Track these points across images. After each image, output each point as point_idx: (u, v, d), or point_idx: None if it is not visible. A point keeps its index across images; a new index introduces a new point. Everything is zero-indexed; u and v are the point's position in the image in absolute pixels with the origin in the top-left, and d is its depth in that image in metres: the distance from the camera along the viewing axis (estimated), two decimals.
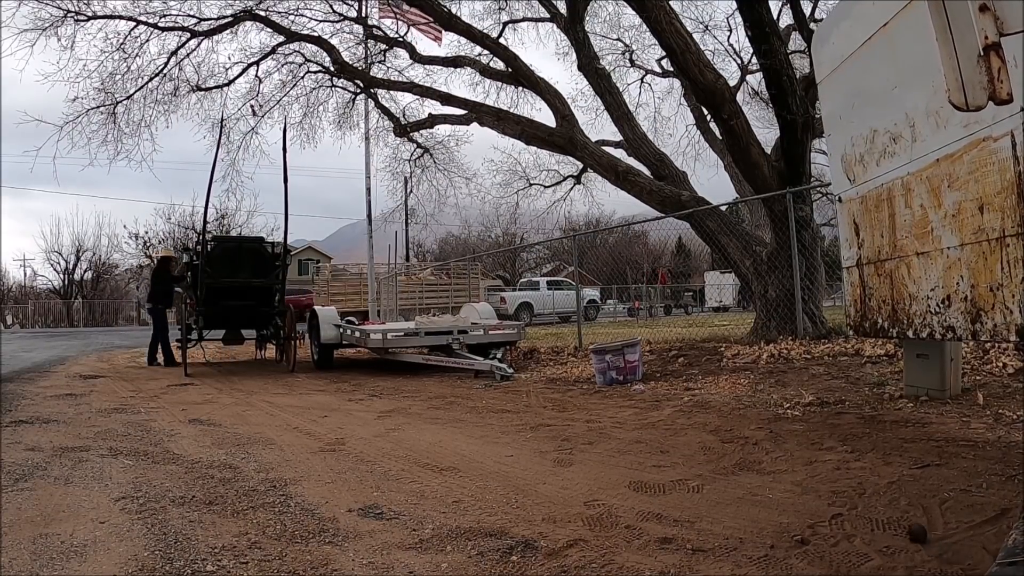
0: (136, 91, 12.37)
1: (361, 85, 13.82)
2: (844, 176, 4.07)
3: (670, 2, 8.08)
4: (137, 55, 12.17)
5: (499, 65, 12.32)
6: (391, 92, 14.00)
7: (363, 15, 13.57)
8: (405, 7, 12.49)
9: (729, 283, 25.24)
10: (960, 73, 1.22)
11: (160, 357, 10.35)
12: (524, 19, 13.88)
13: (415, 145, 15.34)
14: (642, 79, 15.88)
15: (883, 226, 3.66)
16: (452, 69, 13.46)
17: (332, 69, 13.35)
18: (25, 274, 45.16)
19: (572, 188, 15.88)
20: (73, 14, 11.45)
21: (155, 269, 11.15)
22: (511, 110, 12.52)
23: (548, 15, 12.20)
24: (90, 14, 11.62)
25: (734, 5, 12.14)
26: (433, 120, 13.61)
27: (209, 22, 12.27)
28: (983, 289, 2.83)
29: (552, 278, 28.09)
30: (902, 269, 3.49)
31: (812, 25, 9.63)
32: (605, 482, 2.81)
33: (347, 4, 13.42)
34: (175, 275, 10.78)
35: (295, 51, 13.45)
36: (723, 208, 9.83)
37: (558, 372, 7.43)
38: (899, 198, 3.44)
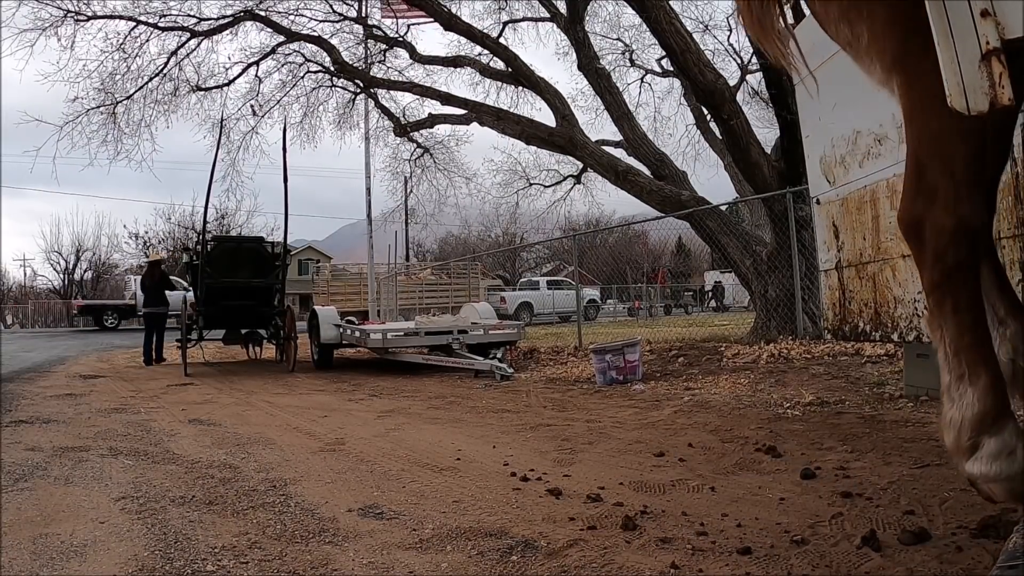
0: (136, 91, 12.38)
1: (361, 85, 13.82)
2: (823, 178, 4.04)
3: (670, 2, 8.10)
4: (137, 55, 12.19)
5: (499, 65, 12.32)
6: (391, 92, 14.01)
7: (363, 15, 13.57)
8: (405, 7, 12.50)
9: (729, 282, 25.21)
10: (962, 78, 1.22)
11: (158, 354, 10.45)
12: (524, 19, 13.88)
13: (415, 145, 15.34)
14: (642, 79, 15.88)
15: (866, 228, 3.64)
16: (452, 69, 13.46)
17: (332, 69, 13.35)
18: (25, 274, 45.15)
19: (572, 188, 15.89)
20: (73, 14, 11.46)
21: (149, 272, 11.08)
22: (511, 110, 12.53)
23: (548, 15, 12.20)
24: (90, 14, 11.63)
25: (734, 5, 12.13)
26: (433, 120, 13.61)
27: (209, 22, 12.28)
28: None
29: (552, 278, 28.08)
30: (886, 272, 3.48)
31: None
32: (605, 482, 2.81)
33: (347, 4, 13.43)
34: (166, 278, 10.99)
35: (295, 51, 13.45)
36: (723, 208, 9.83)
37: (558, 372, 7.43)
38: (884, 200, 3.42)
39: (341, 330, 9.02)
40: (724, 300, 25.95)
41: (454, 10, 11.93)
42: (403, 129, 14.20)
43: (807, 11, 2.06)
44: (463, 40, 12.67)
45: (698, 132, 14.16)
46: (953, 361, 1.65)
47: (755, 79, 14.70)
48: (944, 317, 1.66)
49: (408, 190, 17.68)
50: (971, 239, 1.63)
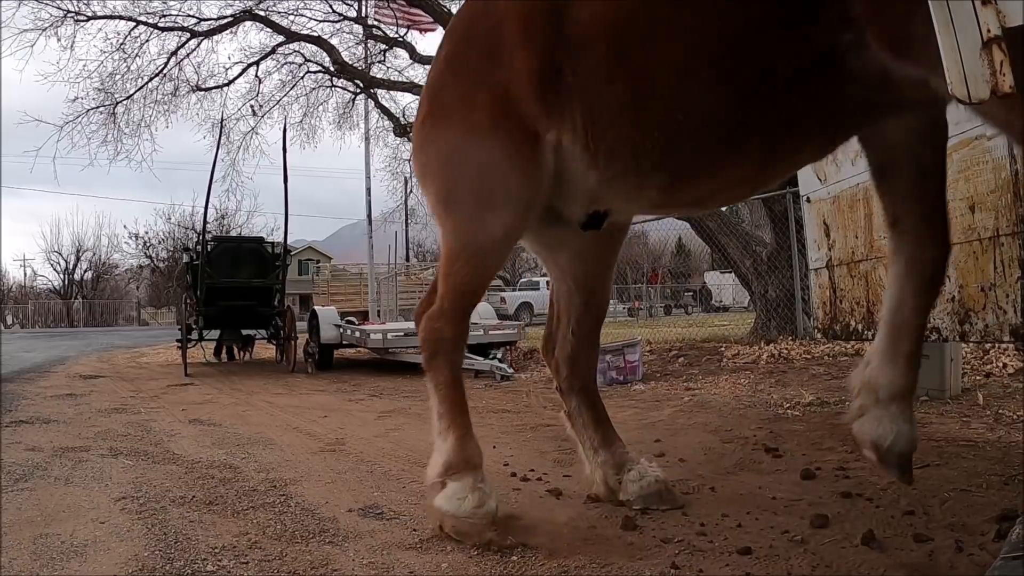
0: (136, 91, 12.39)
1: (361, 85, 13.82)
2: (814, 175, 4.03)
3: None
4: (137, 55, 12.21)
5: None
6: (391, 92, 14.01)
7: (363, 15, 13.57)
8: (404, 7, 12.50)
9: (729, 283, 25.23)
10: (963, 66, 1.22)
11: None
12: None
13: None
14: None
15: (858, 226, 3.63)
16: None
17: (332, 69, 13.35)
18: (25, 274, 45.16)
19: None
20: (73, 14, 11.47)
21: None
22: None
23: None
24: (90, 14, 11.64)
25: None
26: None
27: (209, 22, 12.29)
28: (973, 289, 2.82)
29: None
30: (880, 270, 3.47)
31: None
32: None
33: (347, 4, 13.44)
34: None
35: (295, 51, 13.46)
36: (723, 208, 9.82)
37: None
38: (878, 198, 3.42)
39: (341, 330, 9.02)
40: (711, 301, 26.07)
41: (454, 10, 11.92)
42: (403, 129, 14.19)
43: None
44: None
45: None
46: (436, 419, 2.21)
47: None
48: (431, 387, 2.24)
49: (408, 190, 17.70)
50: (444, 345, 2.21)
